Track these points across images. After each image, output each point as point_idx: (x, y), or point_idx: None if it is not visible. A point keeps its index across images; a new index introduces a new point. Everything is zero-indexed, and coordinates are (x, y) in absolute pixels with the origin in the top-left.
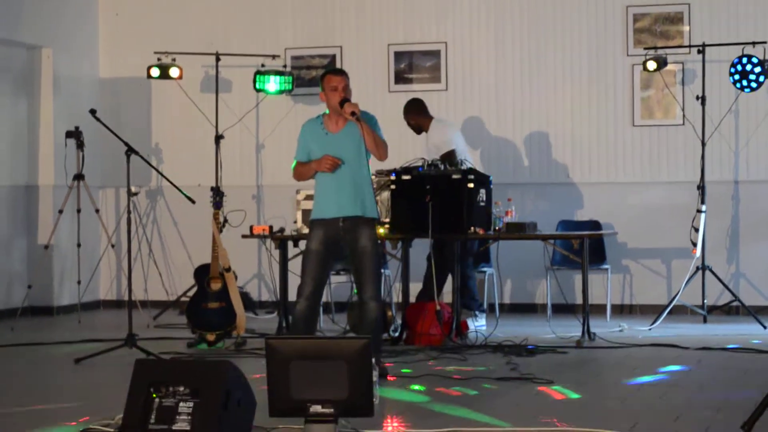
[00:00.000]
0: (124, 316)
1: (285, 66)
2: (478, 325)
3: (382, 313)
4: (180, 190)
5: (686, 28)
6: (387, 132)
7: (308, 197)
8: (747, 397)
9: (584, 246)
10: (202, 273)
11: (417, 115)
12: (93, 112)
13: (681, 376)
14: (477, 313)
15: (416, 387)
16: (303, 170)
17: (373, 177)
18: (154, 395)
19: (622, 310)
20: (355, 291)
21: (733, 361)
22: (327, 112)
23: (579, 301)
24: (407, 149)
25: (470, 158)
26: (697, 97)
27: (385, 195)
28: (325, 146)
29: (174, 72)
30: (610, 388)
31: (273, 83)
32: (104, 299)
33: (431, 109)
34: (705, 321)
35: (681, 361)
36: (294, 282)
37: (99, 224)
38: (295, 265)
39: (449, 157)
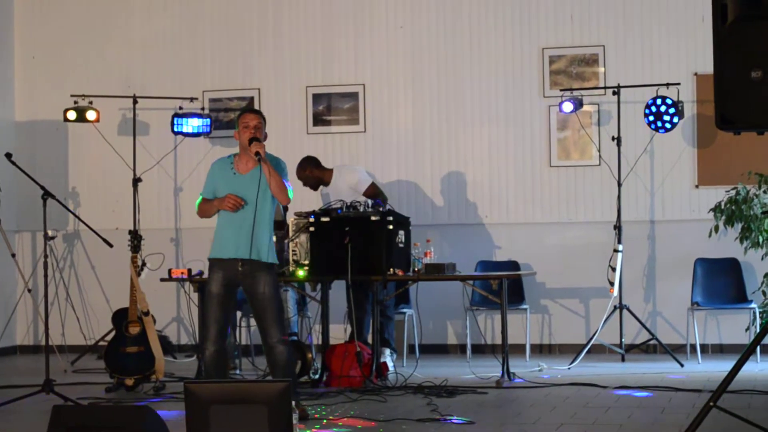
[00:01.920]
0: (42, 361)
1: (203, 108)
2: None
3: (294, 355)
4: (98, 234)
5: (601, 69)
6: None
7: None
8: None
9: (503, 286)
10: (120, 317)
11: (316, 168)
12: (9, 155)
13: (600, 415)
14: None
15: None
16: (206, 207)
17: (293, 219)
18: None
19: (541, 350)
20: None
21: (651, 399)
22: (238, 153)
23: (498, 341)
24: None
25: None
26: (613, 138)
27: (304, 237)
28: (231, 186)
29: (91, 115)
30: (530, 428)
31: (191, 126)
32: (21, 344)
33: (351, 150)
34: (623, 359)
35: (599, 401)
36: None
37: (15, 268)
38: None
39: (374, 189)
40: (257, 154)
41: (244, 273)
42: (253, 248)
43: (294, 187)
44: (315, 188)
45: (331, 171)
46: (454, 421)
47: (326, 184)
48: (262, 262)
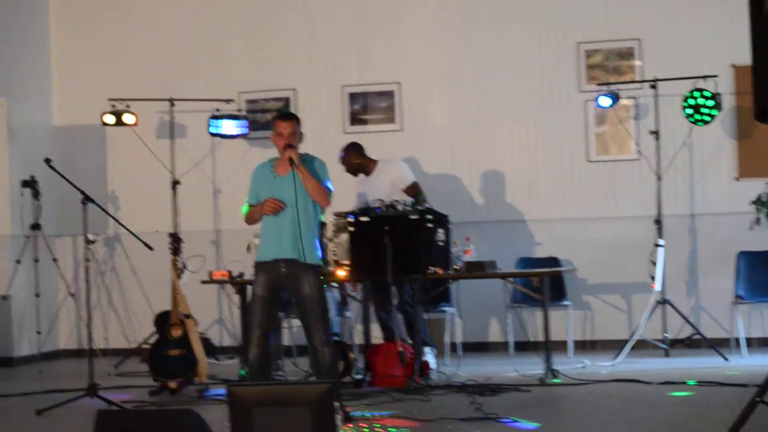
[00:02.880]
0: (85, 365)
1: (240, 110)
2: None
3: (337, 357)
4: (138, 237)
5: (638, 62)
6: (344, 174)
7: None
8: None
9: (544, 283)
10: (162, 320)
11: (360, 155)
12: (48, 161)
13: (644, 411)
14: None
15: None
16: (251, 213)
17: (332, 219)
18: None
19: (584, 347)
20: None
21: (696, 395)
22: (279, 156)
23: (540, 338)
24: None
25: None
26: (651, 132)
27: (344, 237)
28: (272, 189)
29: (128, 118)
30: (574, 425)
31: (228, 127)
32: (64, 348)
33: (388, 149)
34: (667, 355)
35: (644, 397)
36: None
37: (57, 273)
38: None
39: (414, 189)
40: (290, 160)
41: (287, 274)
42: (295, 249)
43: (334, 187)
44: (355, 174)
45: (375, 162)
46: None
47: (367, 173)
48: (305, 262)
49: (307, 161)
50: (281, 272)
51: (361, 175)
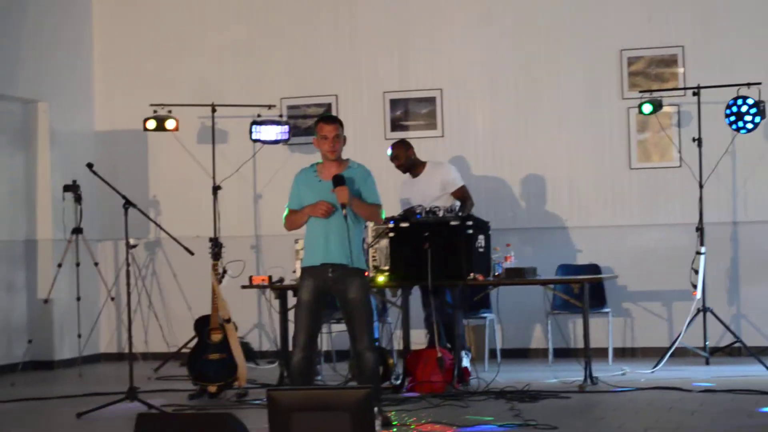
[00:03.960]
0: (125, 368)
1: (281, 116)
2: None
3: (379, 362)
4: (179, 242)
5: (681, 70)
6: (385, 179)
7: None
8: None
9: (584, 290)
10: (202, 324)
11: (413, 154)
12: (90, 165)
13: (686, 419)
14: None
15: None
16: (295, 218)
17: (372, 225)
18: None
19: (623, 354)
20: None
21: (737, 403)
22: (321, 161)
23: (580, 345)
24: None
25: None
26: (694, 139)
27: (384, 243)
28: (318, 194)
29: (170, 124)
30: None
31: (269, 133)
32: (105, 352)
33: (429, 155)
34: (707, 363)
35: (684, 405)
36: None
37: (98, 277)
38: None
39: (463, 192)
40: (343, 206)
41: (334, 279)
42: (343, 254)
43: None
44: (404, 171)
45: (423, 163)
46: None
47: (414, 174)
48: (352, 267)
49: (354, 171)
50: (328, 277)
51: (406, 177)
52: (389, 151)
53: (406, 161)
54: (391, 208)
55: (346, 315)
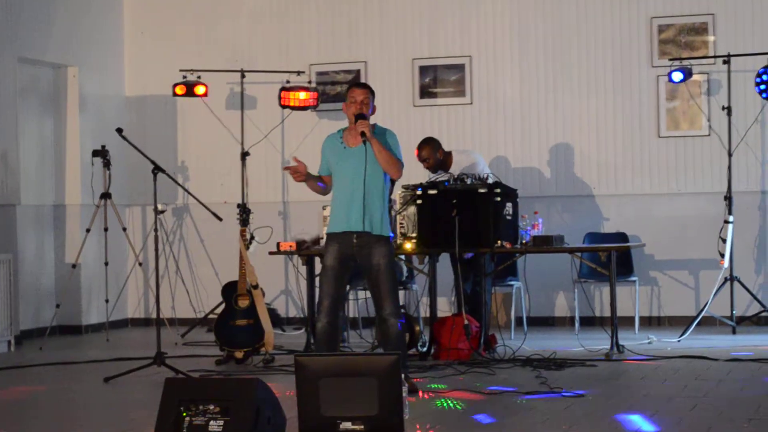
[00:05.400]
0: (152, 334)
1: (310, 82)
2: None
3: (404, 328)
4: (207, 208)
5: (711, 38)
6: (412, 146)
7: None
8: None
9: (612, 258)
10: (229, 290)
11: (442, 154)
12: (120, 131)
13: (712, 388)
14: None
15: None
16: (309, 184)
17: (400, 192)
18: (184, 414)
19: (650, 322)
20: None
21: (763, 372)
22: (347, 126)
23: (606, 313)
24: None
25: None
26: (723, 108)
27: (412, 210)
28: (342, 160)
29: (199, 90)
30: (640, 401)
31: (298, 99)
32: (132, 317)
33: (459, 121)
34: (734, 332)
35: (711, 373)
36: None
37: (126, 243)
38: None
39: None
40: (362, 134)
41: (359, 245)
42: (365, 221)
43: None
44: (435, 170)
45: (449, 154)
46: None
47: (446, 169)
48: (376, 234)
49: (378, 133)
50: (353, 243)
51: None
52: (417, 152)
53: (436, 162)
54: (417, 175)
55: (370, 282)
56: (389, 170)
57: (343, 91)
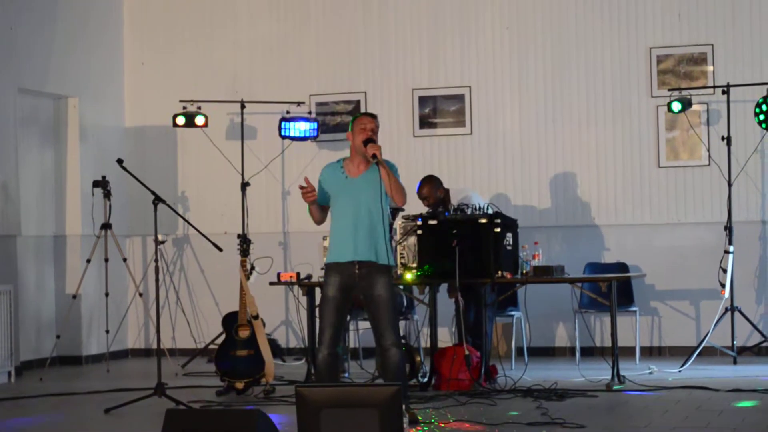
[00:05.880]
0: (153, 364)
1: (310, 112)
2: None
3: (404, 359)
4: (207, 238)
5: (710, 68)
6: (412, 176)
7: None
8: None
9: (612, 289)
10: (230, 321)
11: (443, 193)
12: (120, 161)
13: (712, 419)
14: None
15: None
16: (311, 210)
17: (401, 222)
18: None
19: (651, 353)
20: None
21: (765, 402)
22: (348, 156)
23: (607, 344)
24: None
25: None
26: (723, 138)
27: (412, 240)
28: (344, 190)
29: (199, 120)
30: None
31: (298, 129)
32: (132, 348)
33: (459, 152)
34: (735, 362)
35: (712, 404)
36: None
37: (126, 273)
38: None
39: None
40: (374, 156)
41: (360, 275)
42: (370, 250)
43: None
44: (435, 208)
45: (447, 191)
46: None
47: (446, 206)
48: (379, 264)
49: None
50: (355, 273)
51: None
52: (418, 189)
53: (436, 200)
54: (416, 206)
55: (371, 312)
56: (396, 196)
57: (344, 121)
